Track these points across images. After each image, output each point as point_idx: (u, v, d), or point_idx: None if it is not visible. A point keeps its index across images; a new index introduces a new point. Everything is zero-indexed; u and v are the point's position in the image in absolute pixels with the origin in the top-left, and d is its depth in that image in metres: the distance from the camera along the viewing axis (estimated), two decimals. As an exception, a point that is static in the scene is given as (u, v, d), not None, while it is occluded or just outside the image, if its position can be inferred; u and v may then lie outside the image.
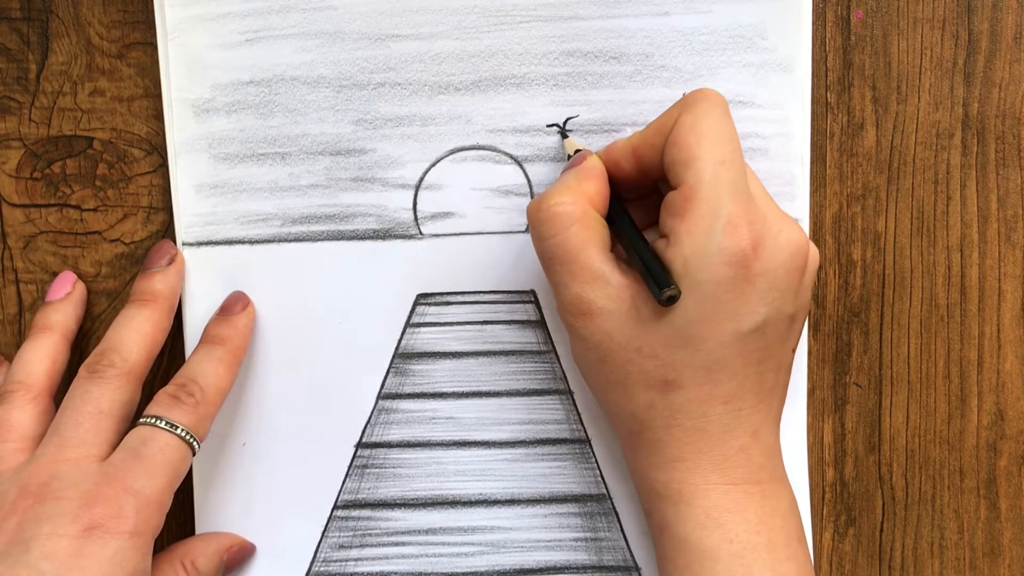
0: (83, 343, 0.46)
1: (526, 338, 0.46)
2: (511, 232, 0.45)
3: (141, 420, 0.41)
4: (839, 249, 0.47)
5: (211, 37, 0.45)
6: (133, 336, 0.42)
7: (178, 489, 0.41)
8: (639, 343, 0.39)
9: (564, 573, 0.46)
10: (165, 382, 0.42)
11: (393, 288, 0.46)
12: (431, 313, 0.46)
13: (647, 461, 0.40)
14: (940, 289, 0.47)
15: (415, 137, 0.45)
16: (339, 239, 0.45)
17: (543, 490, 0.46)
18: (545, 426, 0.46)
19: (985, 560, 0.47)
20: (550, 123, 0.45)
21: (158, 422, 0.40)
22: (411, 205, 0.45)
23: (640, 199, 0.43)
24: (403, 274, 0.46)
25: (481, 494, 0.46)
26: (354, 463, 0.46)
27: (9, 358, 0.45)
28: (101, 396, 0.41)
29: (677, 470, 0.39)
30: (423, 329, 0.46)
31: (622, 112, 0.45)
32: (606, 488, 0.46)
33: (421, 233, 0.46)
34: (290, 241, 0.45)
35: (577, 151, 0.43)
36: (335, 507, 0.46)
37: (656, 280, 0.37)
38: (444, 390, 0.46)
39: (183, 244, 0.45)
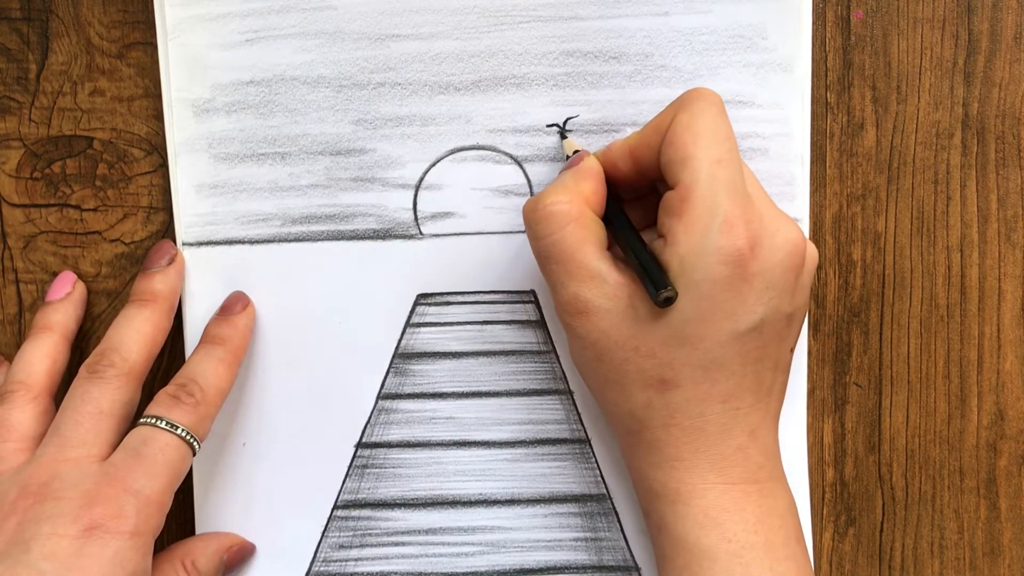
0: (83, 343, 0.46)
1: (526, 338, 0.46)
2: (511, 232, 0.45)
3: (141, 420, 0.41)
4: (839, 249, 0.47)
5: (211, 37, 0.45)
6: (133, 336, 0.42)
7: (178, 489, 0.41)
8: (636, 342, 0.39)
9: (564, 573, 0.46)
10: (165, 382, 0.43)
11: (393, 288, 0.46)
12: (431, 313, 0.46)
13: (645, 460, 0.40)
14: (940, 289, 0.47)
15: (415, 137, 0.45)
16: (339, 239, 0.45)
17: (543, 490, 0.46)
18: (545, 426, 0.46)
19: (985, 560, 0.47)
20: (550, 123, 0.45)
21: (158, 422, 0.40)
22: (411, 205, 0.45)
23: (638, 200, 0.43)
24: (403, 274, 0.46)
25: (481, 494, 0.46)
26: (354, 463, 0.46)
27: (9, 358, 0.45)
28: (101, 396, 0.41)
29: (675, 469, 0.39)
30: (423, 329, 0.46)
31: (622, 112, 0.45)
32: (606, 488, 0.46)
33: (421, 233, 0.46)
34: (290, 241, 0.46)
35: (575, 152, 0.43)
36: (335, 507, 0.46)
37: (653, 281, 0.37)
38: (444, 390, 0.46)
39: (183, 244, 0.45)
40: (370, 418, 0.46)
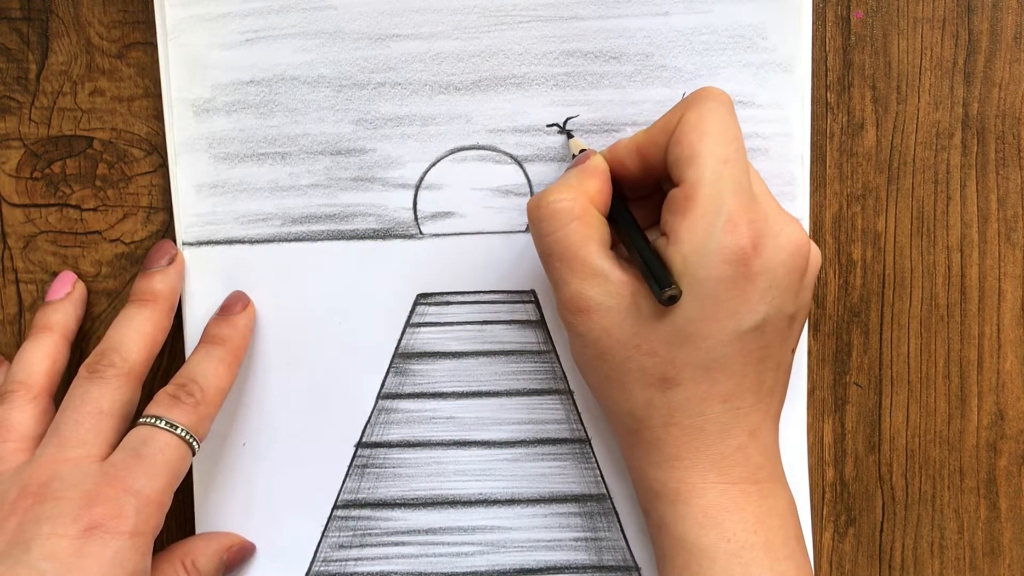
0: (83, 343, 0.46)
1: (526, 338, 0.46)
2: (511, 232, 0.45)
3: (141, 420, 0.41)
4: (839, 249, 0.47)
5: (211, 37, 0.45)
6: (133, 336, 0.42)
7: (178, 489, 0.41)
8: (638, 340, 0.39)
9: (564, 573, 0.46)
10: (165, 382, 0.43)
11: (393, 288, 0.46)
12: (431, 313, 0.46)
13: (645, 459, 0.40)
14: (940, 289, 0.47)
15: (415, 137, 0.45)
16: (339, 239, 0.45)
17: (543, 490, 0.46)
18: (545, 426, 0.46)
19: (985, 560, 0.47)
20: (550, 123, 0.45)
21: (158, 422, 0.40)
22: (411, 205, 0.45)
23: (643, 199, 0.43)
24: (403, 274, 0.46)
25: (481, 494, 0.46)
26: (354, 463, 0.46)
27: (9, 358, 0.45)
28: (101, 396, 0.41)
29: (675, 468, 0.39)
30: (423, 329, 0.46)
31: (622, 112, 0.45)
32: (606, 488, 0.46)
33: (421, 233, 0.46)
34: (290, 241, 0.46)
35: (582, 150, 0.43)
36: (335, 507, 0.46)
37: (657, 280, 0.37)
38: (444, 390, 0.46)
39: (183, 244, 0.45)
40: (370, 418, 0.46)
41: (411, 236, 0.46)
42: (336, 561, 0.46)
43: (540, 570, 0.46)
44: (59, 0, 0.46)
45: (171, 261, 0.44)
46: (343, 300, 0.45)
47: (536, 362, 0.46)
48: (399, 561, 0.46)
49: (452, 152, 0.45)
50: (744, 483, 0.39)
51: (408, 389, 0.46)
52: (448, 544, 0.46)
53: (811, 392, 0.47)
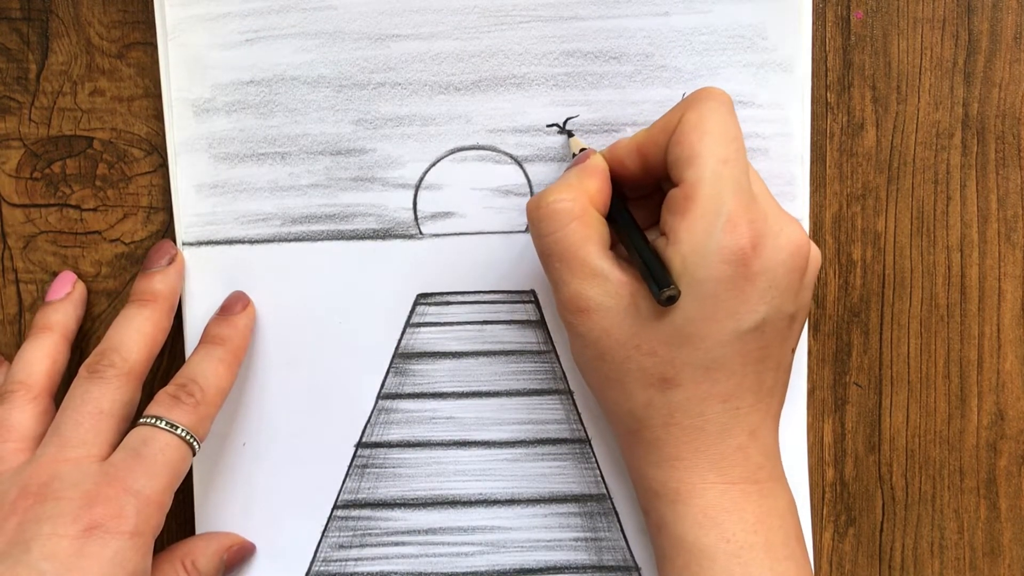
0: (83, 343, 0.46)
1: (526, 338, 0.46)
2: (511, 232, 0.45)
3: (141, 420, 0.41)
4: (839, 249, 0.47)
5: (211, 37, 0.45)
6: (133, 336, 0.42)
7: (178, 489, 0.41)
8: (638, 340, 0.39)
9: (564, 573, 0.46)
10: (165, 382, 0.43)
11: (393, 288, 0.46)
12: (431, 313, 0.46)
13: (645, 460, 0.40)
14: (940, 289, 0.47)
15: (415, 137, 0.45)
16: (339, 239, 0.45)
17: (543, 490, 0.46)
18: (545, 426, 0.46)
19: (985, 560, 0.47)
20: (550, 123, 0.45)
21: (158, 422, 0.40)
22: (411, 205, 0.45)
23: (643, 199, 0.43)
24: (403, 274, 0.46)
25: (481, 494, 0.46)
26: (354, 463, 0.46)
27: (9, 358, 0.45)
28: (101, 396, 0.41)
29: (675, 468, 0.39)
30: (423, 329, 0.46)
31: (622, 112, 0.45)
32: (606, 488, 0.46)
33: (421, 233, 0.46)
34: (290, 241, 0.46)
35: (582, 150, 0.43)
36: (335, 507, 0.46)
37: (656, 280, 0.37)
38: (444, 390, 0.46)
39: (183, 244, 0.45)
40: (370, 418, 0.46)
41: (411, 236, 0.46)
42: (336, 561, 0.46)
43: (540, 570, 0.46)
44: (59, 0, 0.46)
45: (171, 261, 0.44)
46: (343, 300, 0.45)
47: (536, 362, 0.46)
48: (399, 561, 0.46)
49: (452, 152, 0.45)
50: (744, 483, 0.39)
51: (408, 389, 0.46)
52: (448, 544, 0.46)
53: (811, 392, 0.47)
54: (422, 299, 0.46)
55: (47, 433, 0.41)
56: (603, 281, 0.39)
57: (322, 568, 0.46)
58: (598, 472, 0.46)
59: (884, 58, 0.46)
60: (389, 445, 0.46)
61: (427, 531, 0.46)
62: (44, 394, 0.43)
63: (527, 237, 0.45)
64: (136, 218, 0.46)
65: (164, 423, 0.40)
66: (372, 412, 0.46)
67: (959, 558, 0.47)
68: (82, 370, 0.42)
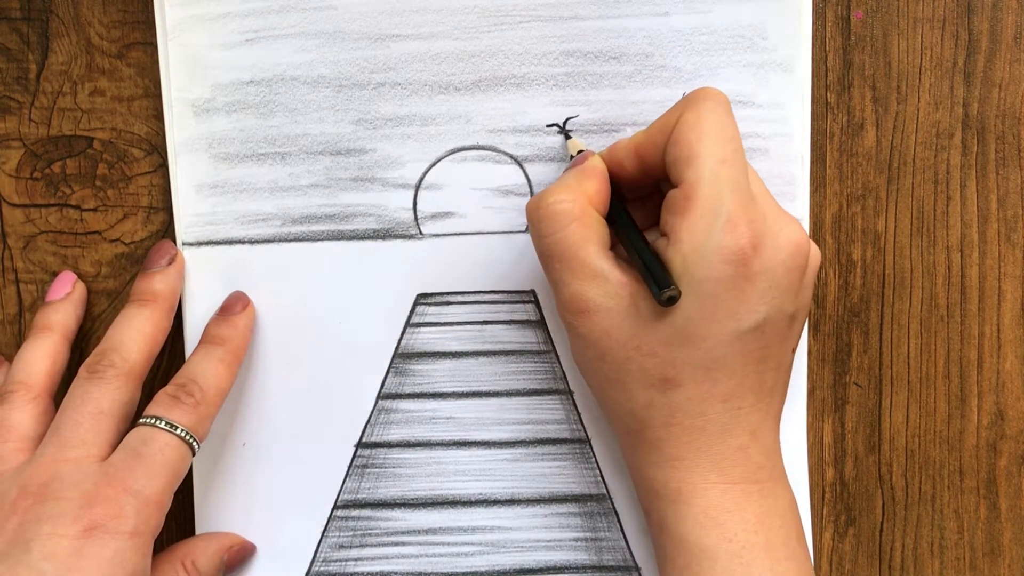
0: (83, 343, 0.46)
1: (526, 338, 0.46)
2: (511, 232, 0.46)
3: (141, 420, 0.41)
4: (839, 249, 0.47)
5: (211, 37, 0.45)
6: (133, 336, 0.42)
7: (178, 489, 0.41)
8: (638, 341, 0.39)
9: (564, 573, 0.46)
10: (165, 382, 0.43)
11: (393, 288, 0.46)
12: (431, 313, 0.46)
13: (646, 460, 0.40)
14: (940, 289, 0.47)
15: (415, 137, 0.45)
16: (339, 239, 0.45)
17: (543, 490, 0.46)
18: (545, 426, 0.46)
19: (985, 560, 0.47)
20: (550, 123, 0.45)
21: (158, 422, 0.40)
22: (411, 205, 0.45)
23: (642, 199, 0.43)
24: (403, 274, 0.46)
25: (481, 494, 0.46)
26: (354, 463, 0.46)
27: (9, 358, 0.45)
28: (101, 396, 0.41)
29: (676, 469, 0.39)
30: (423, 329, 0.46)
31: (622, 112, 0.45)
32: (606, 488, 0.46)
33: (421, 233, 0.46)
34: (290, 241, 0.46)
35: (580, 151, 0.43)
36: (335, 507, 0.46)
37: (656, 280, 0.37)
38: (444, 390, 0.46)
39: (183, 244, 0.45)
40: (370, 418, 0.46)
41: (411, 236, 0.46)
42: (336, 561, 0.46)
43: (540, 570, 0.46)
44: (59, 0, 0.46)
45: (171, 261, 0.44)
46: (343, 300, 0.45)
47: (536, 362, 0.46)
48: (399, 561, 0.46)
49: (452, 152, 0.45)
50: (745, 483, 0.39)
51: (408, 389, 0.46)
52: (448, 544, 0.46)
53: (811, 392, 0.47)
54: (422, 299, 0.46)
55: (47, 433, 0.41)
56: (603, 282, 0.39)
57: (322, 568, 0.46)
58: (598, 472, 0.46)
59: (884, 58, 0.46)
60: (389, 445, 0.46)
61: (427, 531, 0.46)
62: (44, 394, 0.43)
63: (527, 237, 0.45)
64: (136, 218, 0.46)
65: (164, 423, 0.40)
66: (372, 412, 0.46)
67: (959, 558, 0.47)
68: (82, 370, 0.42)
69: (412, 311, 0.46)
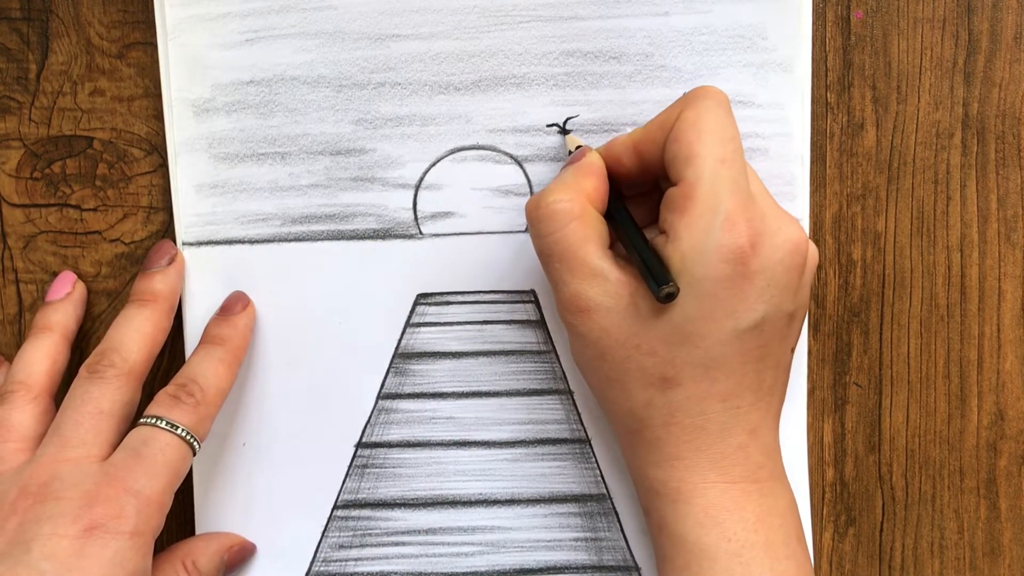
0: (83, 343, 0.46)
1: (526, 338, 0.46)
2: (511, 232, 0.46)
3: (141, 420, 0.41)
4: (839, 249, 0.47)
5: (211, 37, 0.45)
6: (133, 336, 0.42)
7: (178, 489, 0.41)
8: (637, 340, 0.39)
9: (564, 573, 0.46)
10: (165, 382, 0.43)
11: (393, 288, 0.46)
12: (431, 313, 0.46)
13: (645, 459, 0.40)
14: (940, 289, 0.47)
15: (415, 137, 0.45)
16: (339, 239, 0.45)
17: (543, 490, 0.46)
18: (545, 426, 0.46)
19: (985, 560, 0.47)
20: (550, 123, 0.45)
21: (158, 422, 0.40)
22: (411, 205, 0.45)
23: (641, 196, 0.43)
24: (403, 274, 0.46)
25: (481, 494, 0.46)
26: (354, 463, 0.46)
27: (9, 358, 0.45)
28: (101, 396, 0.41)
29: (675, 468, 0.39)
30: (423, 329, 0.46)
31: (622, 112, 0.45)
32: (606, 488, 0.46)
33: (421, 233, 0.46)
34: (290, 241, 0.46)
35: (578, 147, 0.43)
36: (335, 507, 0.46)
37: (654, 277, 0.37)
38: (444, 390, 0.46)
39: (183, 244, 0.45)
40: (370, 418, 0.46)
41: (411, 236, 0.46)
42: (336, 561, 0.46)
43: (540, 570, 0.46)
44: (59, 0, 0.46)
45: (171, 261, 0.44)
46: (343, 300, 0.45)
47: (536, 362, 0.46)
48: (399, 561, 0.46)
49: (452, 152, 0.45)
50: (744, 482, 0.39)
51: (408, 389, 0.46)
52: (448, 544, 0.46)
53: (811, 392, 0.47)
54: (422, 299, 0.46)
55: (47, 433, 0.41)
56: (603, 281, 0.39)
57: (322, 568, 0.46)
58: (598, 472, 0.46)
59: (884, 58, 0.46)
60: (389, 445, 0.46)
61: (427, 531, 0.46)
62: (44, 394, 0.43)
63: (527, 237, 0.45)
64: (136, 218, 0.46)
65: (164, 423, 0.40)
66: (372, 412, 0.46)
67: (959, 558, 0.47)
68: (82, 370, 0.42)
69: (412, 311, 0.46)
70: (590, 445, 0.46)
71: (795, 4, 0.44)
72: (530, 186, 0.45)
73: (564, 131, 0.45)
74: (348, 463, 0.46)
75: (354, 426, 0.46)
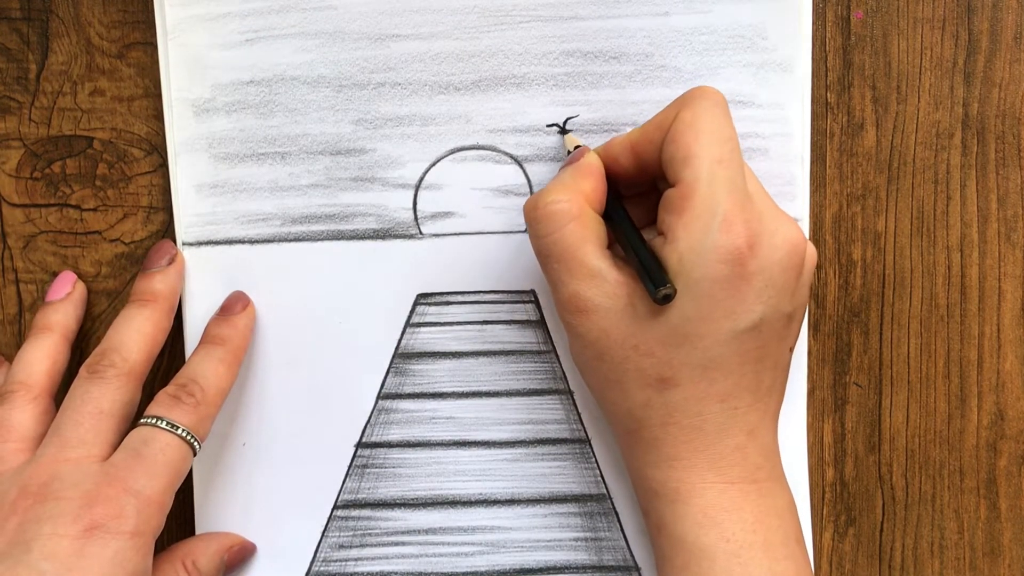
0: (83, 343, 0.46)
1: (526, 338, 0.46)
2: (511, 232, 0.46)
3: (142, 420, 0.41)
4: (839, 249, 0.47)
5: (211, 37, 0.45)
6: (133, 336, 0.42)
7: (178, 489, 0.41)
8: (636, 340, 0.39)
9: (564, 573, 0.46)
10: (165, 382, 0.43)
11: (393, 288, 0.46)
12: (431, 313, 0.46)
13: (644, 459, 0.40)
14: (940, 289, 0.47)
15: (415, 137, 0.45)
16: (339, 239, 0.45)
17: (543, 490, 0.46)
18: (545, 426, 0.46)
19: (985, 560, 0.47)
20: (550, 123, 0.45)
21: (159, 422, 0.41)
22: (411, 205, 0.45)
23: (639, 196, 0.43)
24: (403, 274, 0.46)
25: (481, 494, 0.46)
26: (354, 463, 0.46)
27: (9, 358, 0.45)
28: (101, 396, 0.41)
29: (674, 468, 0.39)
30: (423, 329, 0.46)
31: (622, 112, 0.45)
32: (606, 488, 0.46)
33: (421, 233, 0.46)
34: (290, 241, 0.46)
35: (576, 147, 0.43)
36: (335, 507, 0.46)
37: (652, 278, 0.37)
38: (444, 390, 0.46)
39: (183, 244, 0.45)
40: (370, 418, 0.46)
41: (411, 236, 0.46)
42: (336, 561, 0.46)
43: (540, 570, 0.46)
44: (59, 0, 0.46)
45: (171, 261, 0.44)
46: (343, 300, 0.45)
47: (536, 362, 0.46)
48: (399, 561, 0.46)
49: (452, 152, 0.45)
50: (743, 483, 0.39)
51: (408, 389, 0.46)
52: (448, 544, 0.46)
53: (811, 392, 0.47)
54: (422, 299, 0.46)
55: (47, 433, 0.41)
56: (601, 282, 0.39)
57: (322, 568, 0.46)
58: (598, 472, 0.46)
59: (884, 58, 0.46)
60: (389, 445, 0.46)
61: (427, 531, 0.46)
62: (44, 394, 0.43)
63: (527, 237, 0.45)
64: (136, 218, 0.46)
65: (164, 423, 0.40)
66: (372, 412, 0.46)
67: (959, 558, 0.47)
68: (82, 370, 0.42)
69: (412, 311, 0.46)
70: (590, 445, 0.46)
71: (795, 4, 0.44)
72: (530, 186, 0.45)
73: (564, 131, 0.45)
74: (348, 463, 0.46)
75: (354, 426, 0.46)
